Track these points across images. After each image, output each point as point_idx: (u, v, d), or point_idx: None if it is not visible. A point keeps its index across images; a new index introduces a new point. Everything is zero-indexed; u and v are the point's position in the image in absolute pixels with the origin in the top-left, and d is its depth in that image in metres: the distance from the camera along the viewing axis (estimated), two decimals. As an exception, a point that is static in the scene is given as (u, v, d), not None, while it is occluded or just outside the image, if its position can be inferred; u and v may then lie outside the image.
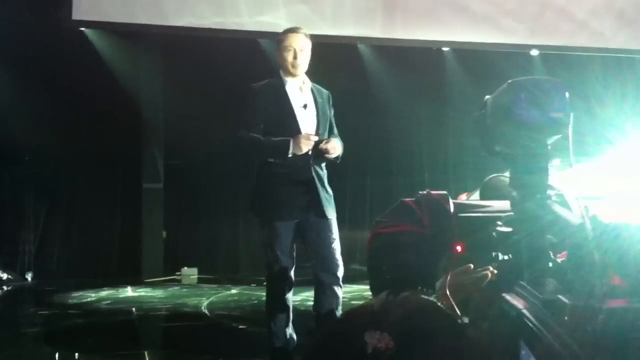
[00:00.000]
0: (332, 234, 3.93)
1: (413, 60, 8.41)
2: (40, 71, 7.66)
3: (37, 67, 7.65)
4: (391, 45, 8.17)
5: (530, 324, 1.22)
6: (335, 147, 3.91)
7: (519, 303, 1.33)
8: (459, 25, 8.07)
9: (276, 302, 3.88)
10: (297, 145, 3.78)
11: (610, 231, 1.20)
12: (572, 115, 1.47)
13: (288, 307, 3.88)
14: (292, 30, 4.01)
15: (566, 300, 1.12)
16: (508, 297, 1.40)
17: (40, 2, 7.50)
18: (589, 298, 1.11)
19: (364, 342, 0.74)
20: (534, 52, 8.50)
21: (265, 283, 4.09)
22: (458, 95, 8.39)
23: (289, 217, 3.85)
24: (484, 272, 1.47)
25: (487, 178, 1.96)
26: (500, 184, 1.87)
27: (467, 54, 8.46)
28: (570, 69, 8.32)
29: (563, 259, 1.36)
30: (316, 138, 3.86)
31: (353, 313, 0.82)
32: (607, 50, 8.37)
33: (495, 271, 1.48)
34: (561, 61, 8.37)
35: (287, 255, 3.85)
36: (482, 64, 8.10)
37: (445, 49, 8.58)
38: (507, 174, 1.97)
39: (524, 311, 1.28)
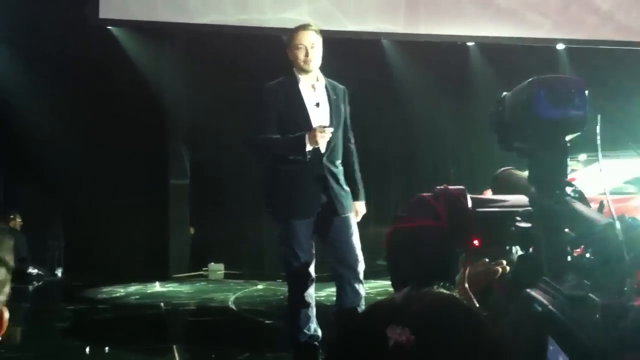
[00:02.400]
0: (350, 229, 3.92)
1: (437, 56, 8.38)
2: (67, 69, 7.77)
3: (64, 65, 7.76)
4: (415, 41, 8.15)
5: (560, 321, 1.23)
6: None
7: (544, 299, 1.34)
8: (483, 19, 8.02)
9: (298, 298, 3.89)
10: (313, 138, 3.78)
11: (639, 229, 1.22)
12: (599, 116, 1.47)
13: (310, 303, 3.89)
14: (302, 27, 3.96)
15: (597, 299, 1.13)
16: (533, 292, 1.40)
17: (68, 1, 7.60)
18: (619, 296, 1.12)
19: (385, 337, 0.76)
20: (560, 46, 8.43)
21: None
22: (482, 90, 8.35)
23: (304, 215, 3.86)
24: (497, 267, 1.48)
25: (499, 171, 1.96)
26: (511, 178, 1.88)
27: (492, 48, 8.41)
28: (597, 62, 8.24)
29: (587, 256, 1.37)
30: (331, 129, 3.84)
31: (375, 308, 0.85)
32: (633, 43, 8.28)
33: (507, 266, 1.49)
34: (587, 55, 8.29)
35: (305, 252, 3.85)
36: (507, 58, 8.05)
37: (469, 43, 8.54)
38: (511, 167, 1.98)
39: (551, 307, 1.29)
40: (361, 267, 3.93)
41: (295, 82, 3.94)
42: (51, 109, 7.82)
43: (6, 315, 1.17)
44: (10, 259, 1.17)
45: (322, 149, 3.84)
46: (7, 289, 1.16)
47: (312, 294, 3.92)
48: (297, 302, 3.90)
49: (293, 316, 3.91)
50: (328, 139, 3.80)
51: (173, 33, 8.13)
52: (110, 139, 8.10)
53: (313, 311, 3.92)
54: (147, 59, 8.21)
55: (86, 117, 7.94)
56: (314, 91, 3.96)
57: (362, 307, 3.87)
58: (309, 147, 3.76)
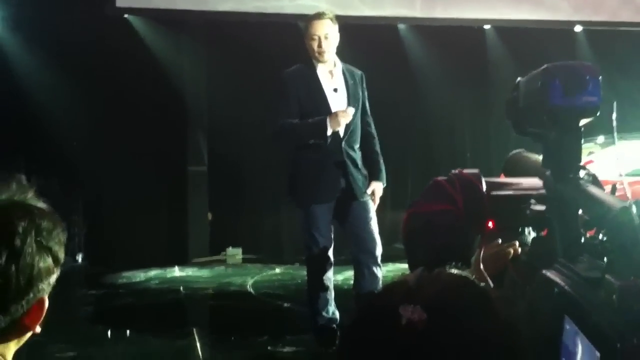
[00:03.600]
0: (368, 213, 3.98)
1: (454, 40, 8.34)
2: (84, 59, 7.81)
3: (82, 55, 7.80)
4: (431, 25, 8.12)
5: (577, 302, 1.26)
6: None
7: (560, 280, 1.36)
8: (501, 2, 7.97)
9: (317, 282, 3.96)
10: (335, 120, 3.81)
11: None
12: (615, 103, 1.49)
13: (329, 286, 3.96)
14: (316, 17, 3.98)
15: (615, 281, 1.15)
16: (549, 274, 1.43)
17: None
18: (636, 279, 1.15)
19: (398, 315, 0.79)
20: (578, 28, 8.36)
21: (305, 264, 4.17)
22: (499, 74, 8.30)
23: (324, 199, 3.92)
24: (509, 248, 1.51)
25: (511, 154, 1.99)
26: (523, 160, 1.90)
27: (509, 31, 8.36)
28: (615, 44, 8.17)
29: (600, 237, 1.39)
30: (352, 110, 3.88)
31: (389, 288, 0.88)
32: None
33: (519, 247, 1.52)
34: (605, 37, 8.22)
35: (324, 236, 3.91)
36: (524, 41, 8.00)
37: (486, 27, 8.49)
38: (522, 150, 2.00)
39: (568, 289, 1.31)
40: (379, 250, 3.98)
41: (313, 69, 3.99)
42: (70, 99, 7.88)
43: (46, 304, 1.21)
44: (59, 251, 1.21)
45: (342, 132, 3.89)
46: (52, 279, 1.21)
47: (330, 277, 3.99)
48: (316, 285, 3.96)
49: (312, 299, 3.97)
50: (349, 120, 3.85)
51: (190, 21, 8.15)
52: (128, 127, 8.15)
53: (332, 294, 3.98)
54: (165, 47, 8.24)
55: (105, 107, 8.00)
56: (332, 77, 4.00)
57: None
58: (329, 131, 3.80)
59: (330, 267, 3.97)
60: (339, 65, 4.05)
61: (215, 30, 8.20)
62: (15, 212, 1.18)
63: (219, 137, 8.71)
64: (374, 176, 4.12)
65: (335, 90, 3.99)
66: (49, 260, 1.20)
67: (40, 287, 1.18)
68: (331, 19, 3.97)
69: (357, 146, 4.04)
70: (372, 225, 4.00)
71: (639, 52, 8.16)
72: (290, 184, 4.09)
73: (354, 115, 3.96)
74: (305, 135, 3.91)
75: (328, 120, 3.82)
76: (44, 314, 1.22)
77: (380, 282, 3.97)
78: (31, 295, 1.17)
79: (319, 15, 4.00)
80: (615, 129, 1.42)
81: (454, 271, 0.89)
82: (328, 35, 3.93)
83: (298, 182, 4.01)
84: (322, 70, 4.00)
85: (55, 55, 7.76)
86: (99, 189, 8.56)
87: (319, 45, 3.91)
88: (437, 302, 0.83)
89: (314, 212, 3.91)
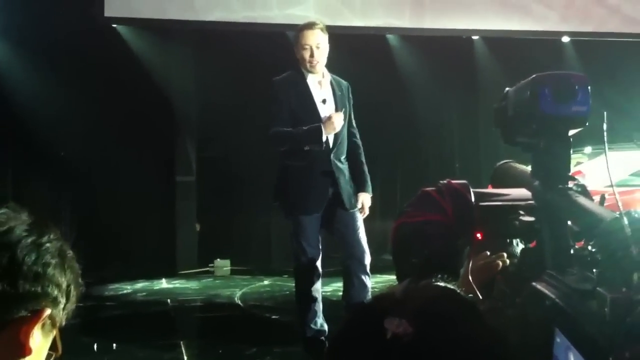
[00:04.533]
0: (356, 222, 4.01)
1: (443, 50, 8.37)
2: (73, 68, 7.78)
3: (71, 64, 7.77)
4: (420, 35, 8.15)
5: (568, 314, 1.24)
6: None
7: (550, 292, 1.35)
8: (489, 13, 8.01)
9: (305, 293, 3.94)
10: (330, 124, 3.84)
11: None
12: (605, 113, 1.49)
13: (317, 297, 3.94)
14: (308, 26, 4.00)
15: (606, 293, 1.14)
16: (538, 285, 1.41)
17: (73, -1, 7.62)
18: (627, 291, 1.13)
19: (383, 328, 0.77)
20: (565, 39, 8.41)
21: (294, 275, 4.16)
22: (488, 84, 8.33)
23: (313, 210, 3.92)
24: (497, 260, 1.49)
25: (498, 164, 1.97)
26: (511, 171, 1.89)
27: (498, 42, 8.40)
28: (603, 55, 8.21)
29: (589, 249, 1.37)
30: (341, 115, 3.94)
31: (375, 300, 0.86)
32: (639, 35, 8.25)
33: (507, 259, 1.50)
34: (593, 47, 8.27)
35: (313, 246, 3.91)
36: (512, 52, 8.04)
37: (475, 37, 8.52)
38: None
39: (558, 300, 1.29)
40: (368, 259, 3.98)
41: (303, 78, 4.00)
42: (58, 107, 7.84)
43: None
44: (72, 287, 1.14)
45: (331, 143, 3.90)
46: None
47: (318, 288, 3.97)
48: (304, 296, 3.94)
49: (300, 311, 3.95)
50: (340, 125, 3.87)
51: (179, 30, 8.14)
52: (117, 136, 8.12)
53: (319, 306, 3.96)
54: (154, 56, 8.22)
55: (93, 116, 7.96)
56: (321, 88, 4.03)
57: None
58: (324, 137, 3.83)
59: (319, 278, 3.96)
60: (327, 76, 4.08)
61: (203, 39, 8.20)
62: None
63: (208, 147, 8.69)
64: (361, 187, 4.16)
65: (324, 101, 4.02)
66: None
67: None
68: (322, 29, 4.00)
69: (344, 157, 4.07)
70: (361, 234, 4.01)
71: (626, 62, 8.21)
72: (278, 191, 4.09)
73: (342, 127, 3.97)
74: (301, 142, 3.92)
75: (323, 126, 3.82)
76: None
77: (370, 292, 3.96)
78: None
79: (311, 25, 4.01)
80: (605, 139, 1.41)
81: (441, 283, 0.86)
82: (320, 45, 3.95)
83: (287, 191, 4.01)
84: (311, 80, 4.03)
85: (43, 63, 7.72)
86: (87, 200, 8.51)
87: (311, 55, 3.93)
88: (424, 314, 0.80)
89: (302, 222, 3.91)
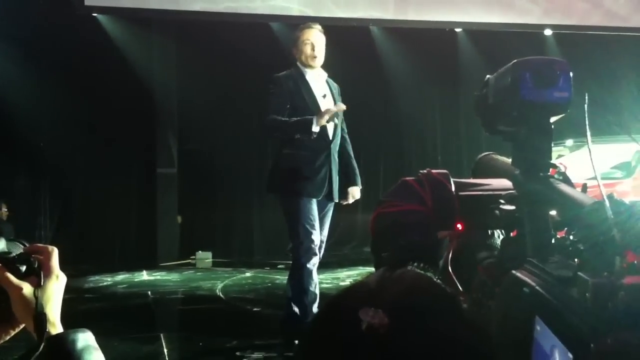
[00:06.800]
0: (330, 215, 4.25)
1: (426, 42, 8.36)
2: (53, 58, 7.70)
3: (51, 54, 7.69)
4: (404, 27, 8.13)
5: (548, 301, 1.22)
6: None
7: (531, 280, 1.33)
8: (473, 5, 8.01)
9: (303, 263, 4.02)
10: (322, 116, 4.00)
11: (629, 210, 1.20)
12: (587, 94, 1.46)
13: (312, 271, 4.03)
14: (309, 26, 4.25)
15: (587, 278, 1.11)
16: (519, 274, 1.39)
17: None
18: (609, 275, 1.11)
19: (358, 319, 0.74)
20: (548, 32, 8.42)
21: (290, 256, 4.22)
22: (471, 76, 8.33)
23: (315, 194, 4.09)
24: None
25: (480, 156, 1.96)
26: (492, 162, 1.87)
27: (481, 34, 8.41)
28: (585, 48, 8.24)
29: (571, 238, 1.35)
30: (343, 107, 4.10)
31: (348, 290, 0.83)
32: (621, 29, 8.29)
33: (489, 250, 1.48)
34: (575, 41, 8.29)
35: (314, 228, 4.07)
36: (496, 44, 8.04)
37: (458, 30, 8.52)
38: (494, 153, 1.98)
39: (538, 288, 1.27)
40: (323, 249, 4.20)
41: (302, 74, 4.22)
42: (38, 98, 7.75)
43: None
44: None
45: (331, 135, 4.09)
46: None
47: (315, 262, 4.06)
48: (302, 268, 4.01)
49: (297, 282, 4.01)
50: (331, 115, 4.03)
51: (161, 20, 8.06)
52: (97, 128, 8.05)
53: (317, 292, 4.06)
54: (135, 47, 8.14)
55: (73, 107, 7.88)
56: (319, 84, 4.21)
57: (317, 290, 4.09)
58: (315, 128, 3.99)
59: (317, 257, 4.07)
60: (324, 75, 4.26)
61: (185, 30, 8.13)
62: None
63: (189, 139, 8.63)
64: (352, 180, 4.35)
65: (324, 96, 4.19)
66: None
67: None
68: (320, 30, 4.23)
69: (337, 150, 4.24)
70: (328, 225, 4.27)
71: (609, 55, 8.25)
72: (279, 178, 4.17)
73: (341, 121, 4.18)
74: (293, 130, 4.04)
75: (314, 118, 4.00)
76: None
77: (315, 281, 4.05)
78: None
79: (312, 25, 4.26)
80: (587, 120, 1.38)
81: (417, 271, 0.83)
82: (320, 42, 4.17)
83: (287, 175, 4.11)
84: (311, 77, 4.19)
85: (22, 53, 7.62)
86: (67, 191, 8.43)
87: (312, 49, 4.13)
88: (400, 303, 0.77)
89: (306, 204, 4.05)
